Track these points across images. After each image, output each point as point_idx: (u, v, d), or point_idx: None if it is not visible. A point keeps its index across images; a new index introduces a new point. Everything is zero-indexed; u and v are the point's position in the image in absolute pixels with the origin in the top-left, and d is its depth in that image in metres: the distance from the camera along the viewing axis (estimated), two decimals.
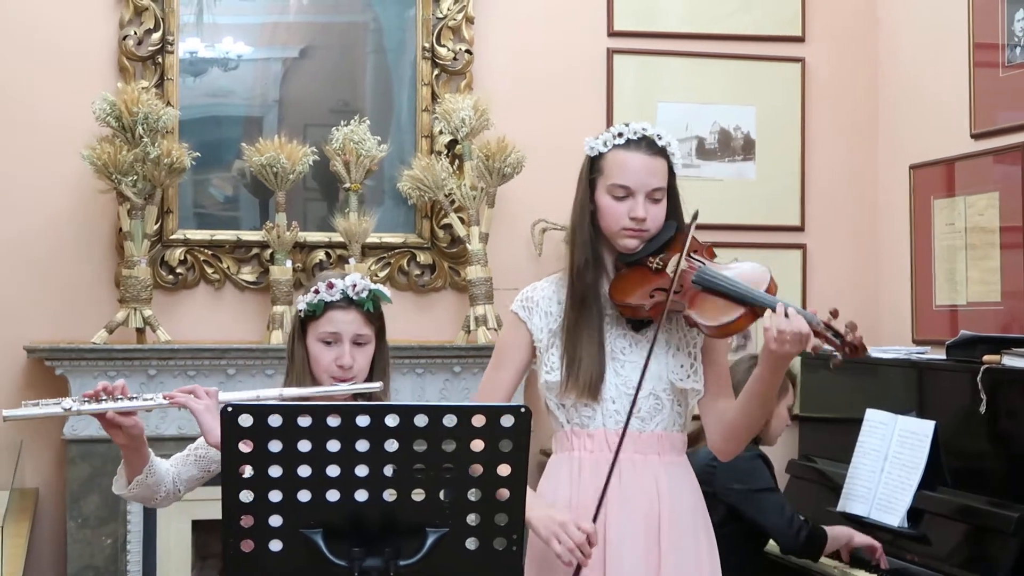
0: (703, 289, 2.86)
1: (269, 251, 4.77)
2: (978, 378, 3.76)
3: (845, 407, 4.58)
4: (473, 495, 2.28)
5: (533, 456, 4.49)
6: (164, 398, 2.82)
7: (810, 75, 5.34)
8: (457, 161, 4.92)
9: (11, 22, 4.70)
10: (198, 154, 4.69)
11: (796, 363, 4.75)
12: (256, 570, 2.27)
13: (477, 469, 2.28)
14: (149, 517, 4.56)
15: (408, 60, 5.03)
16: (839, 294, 5.23)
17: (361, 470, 2.23)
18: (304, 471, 2.22)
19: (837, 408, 4.69)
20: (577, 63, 5.17)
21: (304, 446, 2.21)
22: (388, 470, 2.24)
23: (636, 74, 5.20)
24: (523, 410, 2.26)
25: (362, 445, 2.22)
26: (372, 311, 3.01)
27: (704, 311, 2.84)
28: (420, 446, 2.24)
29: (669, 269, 2.88)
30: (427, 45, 4.98)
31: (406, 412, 2.23)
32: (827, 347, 2.76)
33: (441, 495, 2.27)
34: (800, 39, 5.34)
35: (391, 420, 2.22)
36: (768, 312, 2.77)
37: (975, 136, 4.70)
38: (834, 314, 2.77)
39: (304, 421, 2.21)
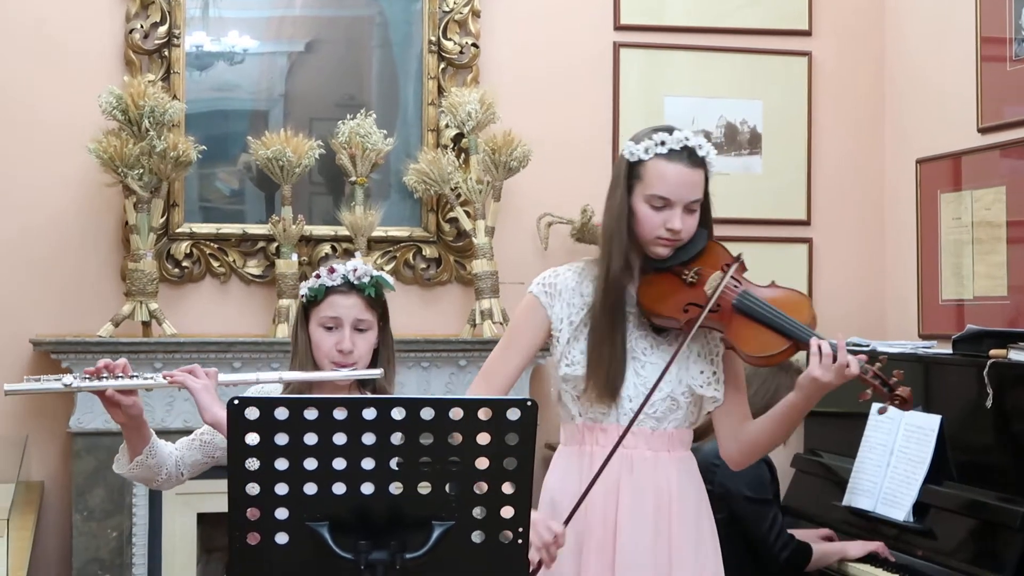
0: (742, 313, 2.87)
1: (275, 245, 4.77)
2: (984, 372, 3.75)
3: (851, 401, 4.56)
4: (479, 488, 2.27)
5: (538, 450, 4.50)
6: (163, 377, 2.84)
7: (817, 69, 5.34)
8: (463, 155, 4.92)
9: (17, 17, 4.70)
10: (204, 148, 4.69)
11: (802, 360, 4.74)
12: (262, 563, 2.27)
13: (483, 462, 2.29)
14: (155, 510, 4.56)
15: (414, 54, 5.02)
16: (845, 288, 5.23)
17: (367, 463, 2.22)
18: (310, 464, 2.22)
19: (843, 403, 4.68)
20: (583, 57, 5.16)
21: (310, 439, 2.21)
22: (394, 463, 2.23)
23: (642, 68, 5.20)
24: (530, 404, 2.26)
25: (368, 438, 2.22)
26: (374, 297, 3.01)
27: (745, 339, 2.85)
28: (426, 439, 2.23)
29: (708, 288, 2.88)
30: (433, 39, 4.98)
31: (412, 405, 2.23)
32: (874, 395, 2.84)
33: (447, 488, 2.26)
34: (807, 33, 5.34)
35: (397, 413, 2.22)
36: (814, 343, 2.79)
37: (982, 130, 4.69)
38: (882, 361, 2.82)
39: (311, 414, 2.21)
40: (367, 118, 4.75)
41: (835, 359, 2.77)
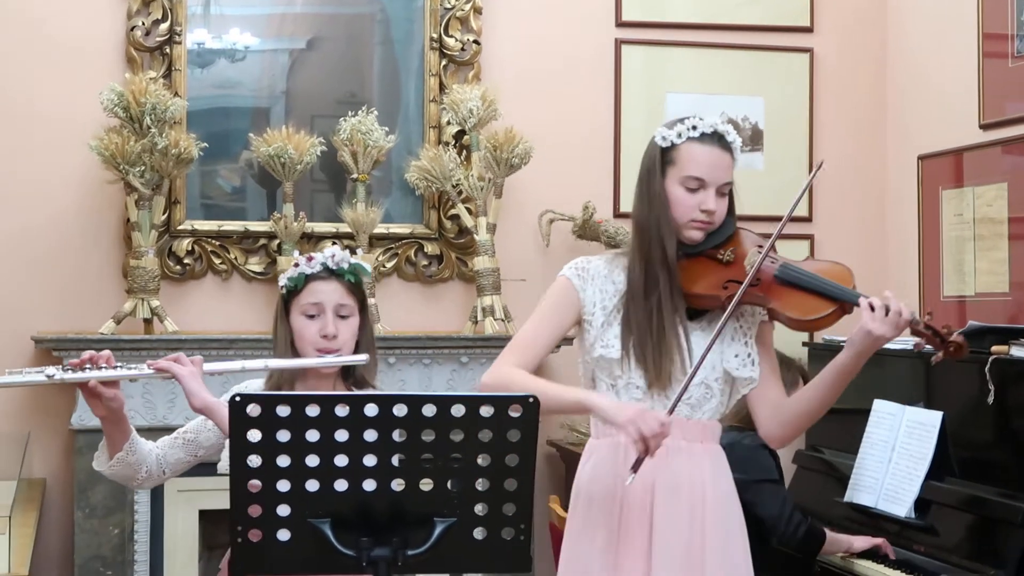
0: (785, 283, 2.89)
1: (276, 242, 4.77)
2: (986, 369, 3.75)
3: (853, 398, 4.56)
4: (481, 485, 2.28)
5: (540, 446, 4.50)
6: (148, 366, 2.83)
7: (818, 66, 5.33)
8: (465, 152, 4.92)
9: (19, 15, 4.70)
10: (205, 145, 4.69)
11: (804, 356, 4.75)
12: (264, 560, 2.27)
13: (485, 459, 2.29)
14: (156, 507, 4.57)
15: (416, 51, 5.02)
16: None
17: (369, 460, 2.23)
18: (312, 461, 2.22)
19: (845, 399, 4.65)
20: (585, 54, 5.16)
21: (312, 436, 2.21)
22: (396, 460, 2.24)
23: (644, 65, 5.20)
24: (531, 400, 2.26)
25: (370, 435, 2.22)
26: (353, 282, 3.02)
27: (790, 305, 2.87)
28: (428, 436, 2.24)
29: (747, 262, 2.91)
30: (435, 36, 4.98)
31: (414, 402, 2.23)
32: (928, 346, 2.84)
33: (449, 485, 2.27)
34: (808, 30, 5.33)
35: (399, 410, 2.23)
36: (863, 301, 2.80)
37: (984, 127, 4.69)
38: (930, 314, 2.85)
39: (312, 411, 2.21)
40: (369, 115, 4.75)
41: (887, 312, 2.76)
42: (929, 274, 4.97)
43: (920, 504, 3.93)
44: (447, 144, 4.93)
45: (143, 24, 4.74)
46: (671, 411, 2.80)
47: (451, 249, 5.01)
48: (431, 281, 5.01)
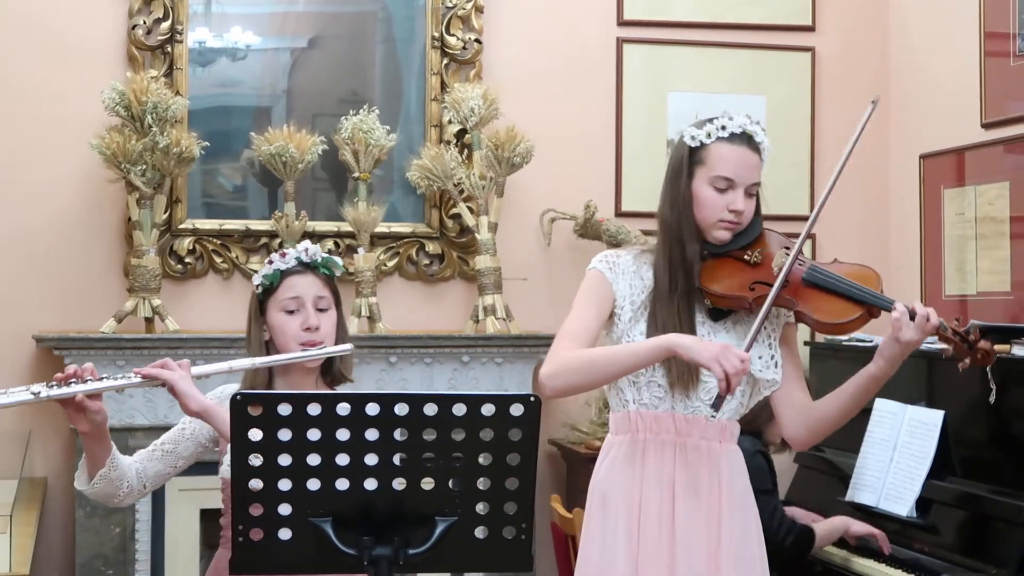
0: (813, 286, 2.89)
1: (278, 241, 4.77)
2: (988, 368, 3.74)
3: None
4: (482, 484, 2.27)
5: (541, 446, 4.50)
6: (135, 374, 2.79)
7: (820, 65, 5.33)
8: (466, 150, 4.92)
9: (20, 13, 4.70)
10: (207, 143, 4.69)
11: (805, 354, 4.74)
12: (265, 559, 2.27)
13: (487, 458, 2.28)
14: (157, 507, 4.56)
15: (417, 49, 5.02)
16: None
17: (371, 459, 2.22)
18: (313, 460, 2.22)
19: None
20: (587, 52, 5.16)
21: (313, 435, 2.21)
22: (397, 459, 2.23)
23: (646, 63, 5.20)
24: (533, 399, 2.26)
25: (371, 434, 2.21)
26: (328, 275, 3.03)
27: (819, 309, 2.87)
28: (429, 435, 2.23)
29: (774, 265, 2.90)
30: (436, 34, 4.98)
31: (416, 401, 2.23)
32: (955, 353, 2.82)
33: (450, 484, 2.26)
34: (810, 28, 5.33)
35: (401, 409, 2.22)
36: (895, 307, 2.79)
37: (985, 126, 4.69)
38: (959, 320, 2.84)
39: (313, 409, 2.21)
40: (370, 114, 4.75)
41: (912, 317, 2.76)
42: (931, 273, 4.97)
43: (921, 503, 3.93)
44: (448, 143, 4.93)
45: (144, 23, 4.74)
46: (748, 348, 2.79)
47: (452, 248, 5.01)
48: (432, 280, 5.01)
